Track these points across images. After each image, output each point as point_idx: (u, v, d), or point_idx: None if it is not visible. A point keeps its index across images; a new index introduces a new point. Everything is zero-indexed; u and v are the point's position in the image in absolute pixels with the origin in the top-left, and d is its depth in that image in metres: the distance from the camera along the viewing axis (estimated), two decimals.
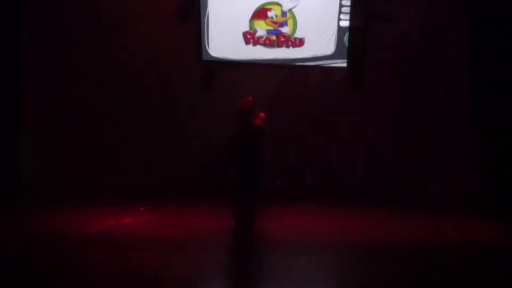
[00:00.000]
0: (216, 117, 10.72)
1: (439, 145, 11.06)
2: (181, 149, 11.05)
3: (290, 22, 11.08)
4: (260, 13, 11.05)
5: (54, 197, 10.00)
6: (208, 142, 10.69)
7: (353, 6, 10.92)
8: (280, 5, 11.04)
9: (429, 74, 11.04)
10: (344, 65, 11.17)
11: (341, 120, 11.20)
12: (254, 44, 11.11)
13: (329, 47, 11.11)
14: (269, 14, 11.06)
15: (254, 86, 10.24)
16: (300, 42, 11.10)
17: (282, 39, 11.10)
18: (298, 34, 11.10)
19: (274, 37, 11.11)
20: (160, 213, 9.28)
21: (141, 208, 9.39)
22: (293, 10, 11.05)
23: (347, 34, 11.05)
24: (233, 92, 9.88)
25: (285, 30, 11.10)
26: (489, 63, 9.47)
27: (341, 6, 10.99)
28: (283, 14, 11.07)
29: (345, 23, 11.03)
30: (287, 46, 11.12)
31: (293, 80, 11.18)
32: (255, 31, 11.07)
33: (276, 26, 11.10)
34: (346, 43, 11.08)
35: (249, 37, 11.08)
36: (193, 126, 11.09)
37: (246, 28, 11.05)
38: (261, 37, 11.09)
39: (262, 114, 8.63)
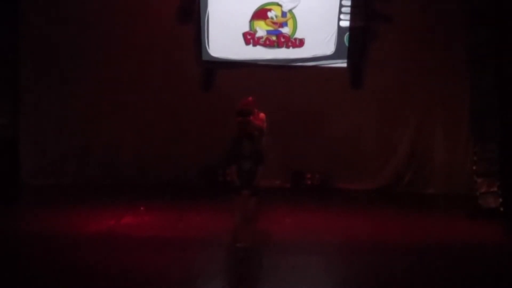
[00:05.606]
0: (216, 117, 10.73)
1: (439, 145, 11.08)
2: (181, 149, 11.04)
3: (290, 22, 11.08)
4: (260, 14, 11.05)
5: (54, 197, 9.99)
6: (208, 142, 10.69)
7: (353, 6, 10.91)
8: (280, 5, 11.04)
9: (429, 73, 11.04)
10: (344, 65, 11.17)
11: (341, 120, 11.19)
12: (254, 44, 11.11)
13: (329, 47, 11.10)
14: (269, 14, 11.06)
15: (254, 86, 10.22)
16: (300, 43, 11.09)
17: (282, 39, 11.10)
18: (298, 35, 11.09)
19: (274, 38, 11.11)
20: (160, 213, 9.28)
21: (141, 208, 9.39)
22: (293, 11, 11.05)
23: (347, 34, 11.04)
24: (233, 92, 9.87)
25: (285, 30, 11.09)
26: (489, 63, 9.47)
27: (341, 6, 10.97)
28: (283, 14, 11.06)
29: (345, 23, 11.02)
30: (287, 47, 11.11)
31: (293, 80, 11.17)
32: (255, 31, 11.06)
33: (276, 26, 11.09)
34: (346, 43, 11.07)
35: (249, 38, 11.07)
36: (193, 126, 11.09)
37: (246, 29, 11.05)
38: (261, 37, 11.08)
39: (262, 115, 8.63)
